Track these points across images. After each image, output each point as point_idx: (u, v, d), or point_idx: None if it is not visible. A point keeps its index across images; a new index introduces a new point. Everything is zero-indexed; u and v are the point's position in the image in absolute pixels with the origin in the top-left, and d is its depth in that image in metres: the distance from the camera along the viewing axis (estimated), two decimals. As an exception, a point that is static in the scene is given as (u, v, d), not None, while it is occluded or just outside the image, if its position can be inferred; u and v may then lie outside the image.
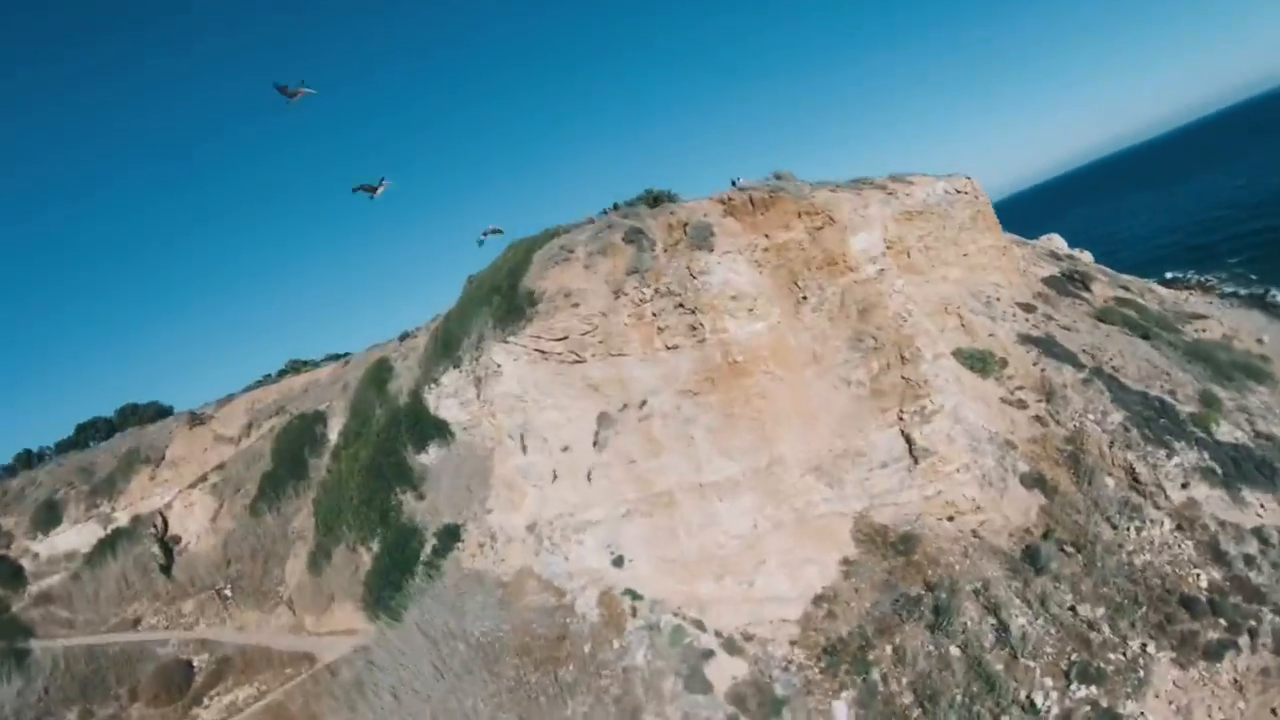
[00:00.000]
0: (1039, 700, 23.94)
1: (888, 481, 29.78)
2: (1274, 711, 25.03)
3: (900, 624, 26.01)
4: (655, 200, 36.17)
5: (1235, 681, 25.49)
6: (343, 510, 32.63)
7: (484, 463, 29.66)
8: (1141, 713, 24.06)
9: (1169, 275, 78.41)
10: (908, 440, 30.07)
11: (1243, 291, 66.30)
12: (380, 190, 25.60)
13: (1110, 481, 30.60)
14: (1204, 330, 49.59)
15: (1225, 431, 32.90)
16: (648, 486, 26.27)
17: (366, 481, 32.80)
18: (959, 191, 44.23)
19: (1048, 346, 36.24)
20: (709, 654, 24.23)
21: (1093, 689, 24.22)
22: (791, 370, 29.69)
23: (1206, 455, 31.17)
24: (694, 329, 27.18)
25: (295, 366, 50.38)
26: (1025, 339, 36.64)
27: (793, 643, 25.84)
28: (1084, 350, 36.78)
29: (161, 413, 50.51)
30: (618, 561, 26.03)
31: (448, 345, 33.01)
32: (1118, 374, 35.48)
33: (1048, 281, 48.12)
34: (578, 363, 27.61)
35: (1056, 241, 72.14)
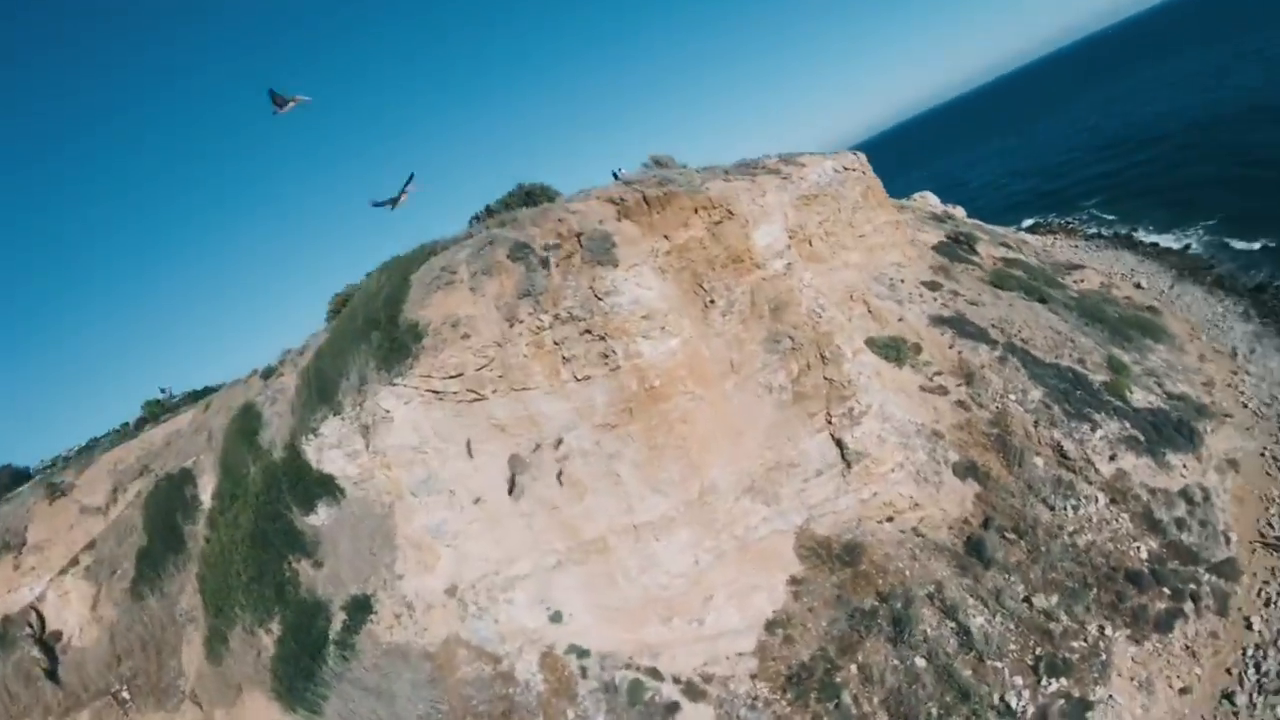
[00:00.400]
0: (1013, 701, 24.17)
1: (823, 490, 29.43)
2: (1229, 671, 26.19)
3: (861, 640, 25.71)
4: (530, 197, 34.33)
5: (1188, 648, 26.59)
6: (232, 587, 29.22)
7: (384, 522, 27.12)
8: (1110, 695, 24.68)
9: (1030, 222, 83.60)
10: (839, 445, 29.80)
11: (1107, 233, 71.13)
12: (404, 198, 23.74)
13: (1040, 462, 31.35)
14: (1083, 281, 52.71)
15: (1139, 398, 34.53)
16: (576, 534, 24.67)
17: (253, 552, 29.45)
18: (848, 169, 44.73)
19: (959, 326, 37.03)
20: (673, 706, 23.18)
21: (1062, 681, 24.69)
22: (710, 386, 28.72)
23: (1128, 424, 32.51)
24: (605, 357, 25.70)
25: (153, 412, 45.23)
26: (937, 320, 37.32)
27: (754, 676, 25.07)
28: (993, 325, 37.84)
29: (17, 478, 43.96)
30: (555, 617, 24.36)
31: (323, 389, 30.06)
32: (1029, 347, 36.67)
33: (938, 249, 49.66)
34: (478, 400, 25.59)
35: (930, 199, 75.38)
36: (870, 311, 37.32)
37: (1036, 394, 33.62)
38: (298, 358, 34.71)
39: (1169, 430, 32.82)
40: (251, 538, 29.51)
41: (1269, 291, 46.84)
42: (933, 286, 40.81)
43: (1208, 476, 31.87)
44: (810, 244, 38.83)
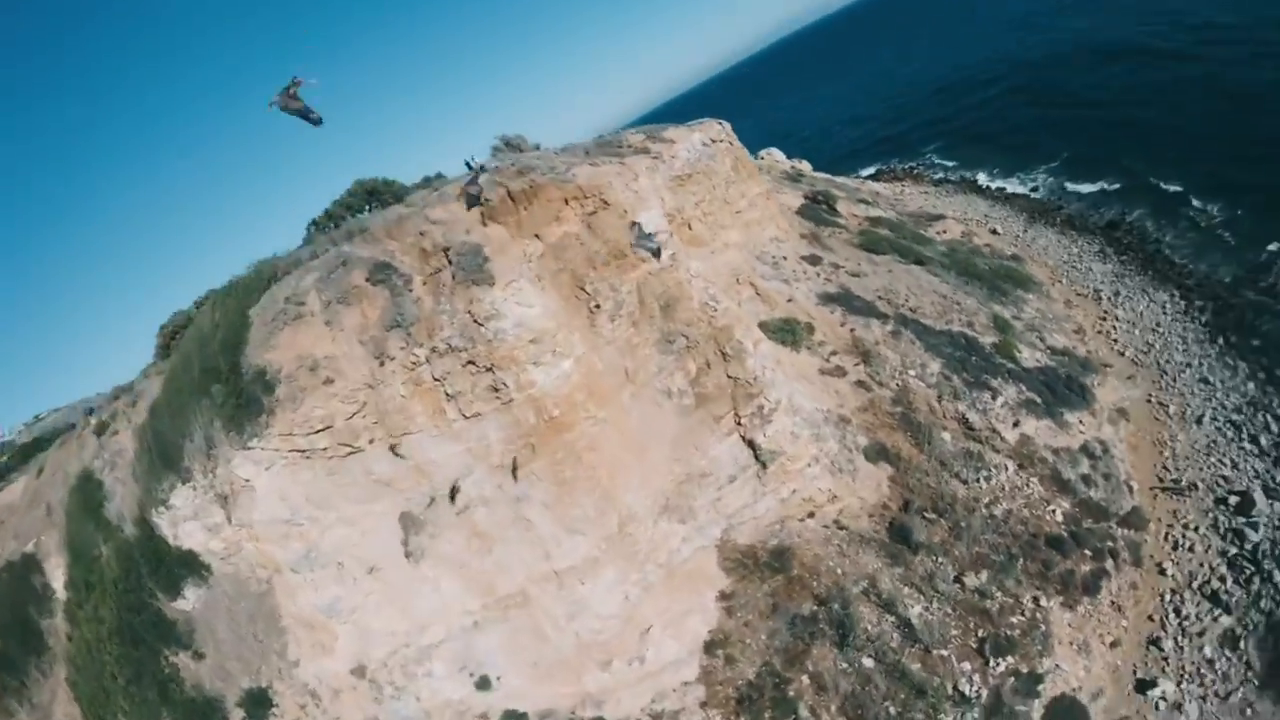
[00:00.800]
0: (966, 688, 24.84)
1: (740, 497, 28.99)
2: (1151, 618, 27.98)
3: (807, 649, 25.63)
4: (374, 196, 31.87)
5: (1113, 604, 28.20)
6: (110, 691, 25.53)
7: (264, 601, 24.36)
8: (1057, 665, 25.80)
9: (871, 169, 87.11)
10: (752, 447, 29.35)
11: (954, 177, 74.85)
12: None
13: (947, 436, 32.22)
14: (945, 231, 55.06)
15: (1028, 357, 36.19)
16: (491, 590, 23.03)
17: (124, 650, 25.83)
18: (715, 141, 44.17)
19: (847, 301, 37.54)
20: (631, 761, 21.91)
21: (1009, 659, 25.63)
22: (608, 402, 27.51)
23: (1024, 388, 33.99)
24: (495, 390, 23.98)
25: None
26: (825, 298, 37.67)
27: (704, 704, 24.59)
28: (880, 297, 38.63)
29: None
30: (483, 683, 22.73)
31: (165, 454, 26.58)
32: (919, 316, 37.68)
33: (802, 213, 50.46)
34: (354, 454, 23.30)
35: (777, 155, 76.57)
36: (759, 294, 37.16)
37: (935, 366, 34.55)
38: (130, 408, 30.60)
39: (1061, 389, 34.59)
40: (118, 632, 26.05)
41: (1121, 229, 50.54)
42: (813, 260, 41.22)
43: (1103, 430, 33.84)
44: (690, 227, 38.14)
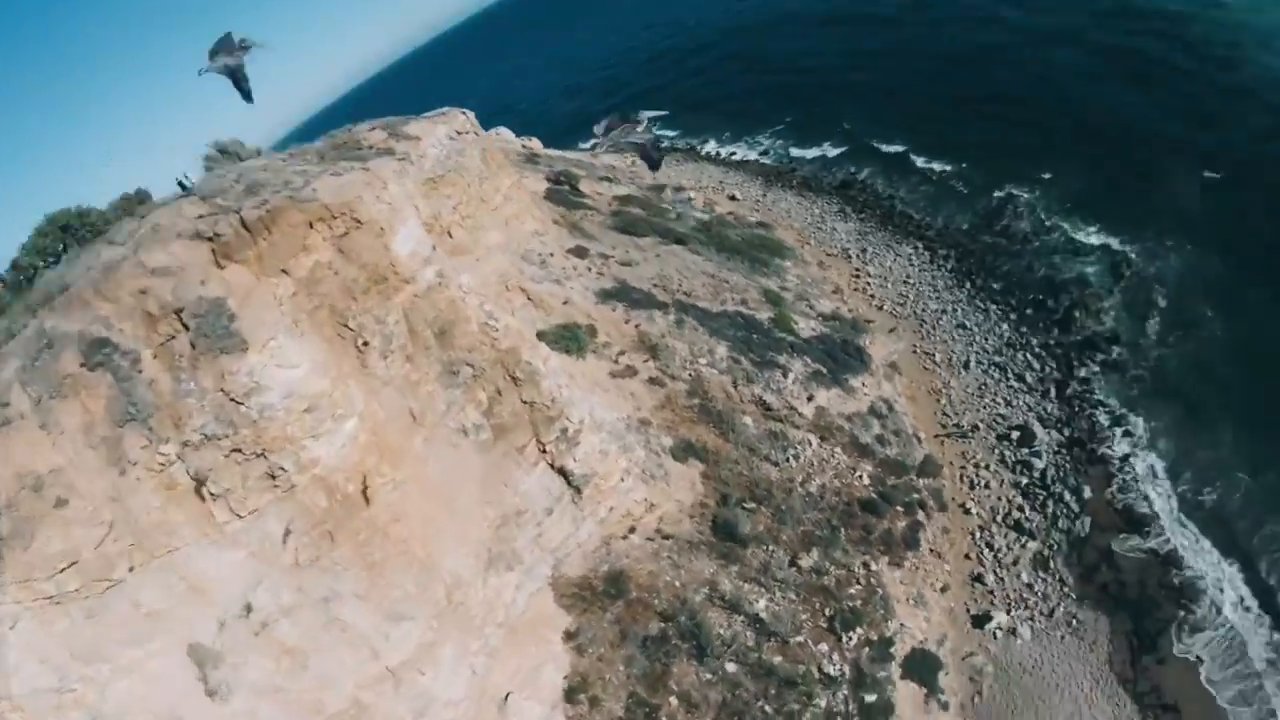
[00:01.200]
0: (830, 669, 26.23)
1: (560, 529, 28.32)
2: (968, 556, 30.98)
3: (667, 669, 25.71)
4: (70, 233, 27.25)
5: (933, 551, 30.85)
6: None
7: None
8: (901, 624, 28.04)
9: (593, 141, 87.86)
10: (562, 474, 28.53)
11: (681, 145, 77.83)
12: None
13: (749, 421, 33.36)
14: (689, 199, 56.81)
15: (805, 327, 38.39)
16: (319, 709, 20.51)
17: None
18: (461, 133, 41.94)
19: (626, 295, 37.61)
20: None
21: (858, 630, 27.44)
22: (402, 456, 25.47)
23: (809, 359, 35.98)
24: (273, 478, 21.24)
25: None
26: (604, 295, 37.48)
27: (580, 755, 23.62)
28: (655, 286, 39.10)
29: None
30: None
31: None
32: (695, 301, 38.61)
33: (549, 198, 49.91)
34: (113, 587, 19.64)
35: (506, 135, 75.20)
36: (531, 300, 36.09)
37: (722, 350, 35.53)
38: None
39: (840, 354, 37.04)
40: None
41: (855, 188, 55.05)
42: (580, 253, 40.80)
43: (883, 388, 36.69)
44: (450, 235, 36.21)
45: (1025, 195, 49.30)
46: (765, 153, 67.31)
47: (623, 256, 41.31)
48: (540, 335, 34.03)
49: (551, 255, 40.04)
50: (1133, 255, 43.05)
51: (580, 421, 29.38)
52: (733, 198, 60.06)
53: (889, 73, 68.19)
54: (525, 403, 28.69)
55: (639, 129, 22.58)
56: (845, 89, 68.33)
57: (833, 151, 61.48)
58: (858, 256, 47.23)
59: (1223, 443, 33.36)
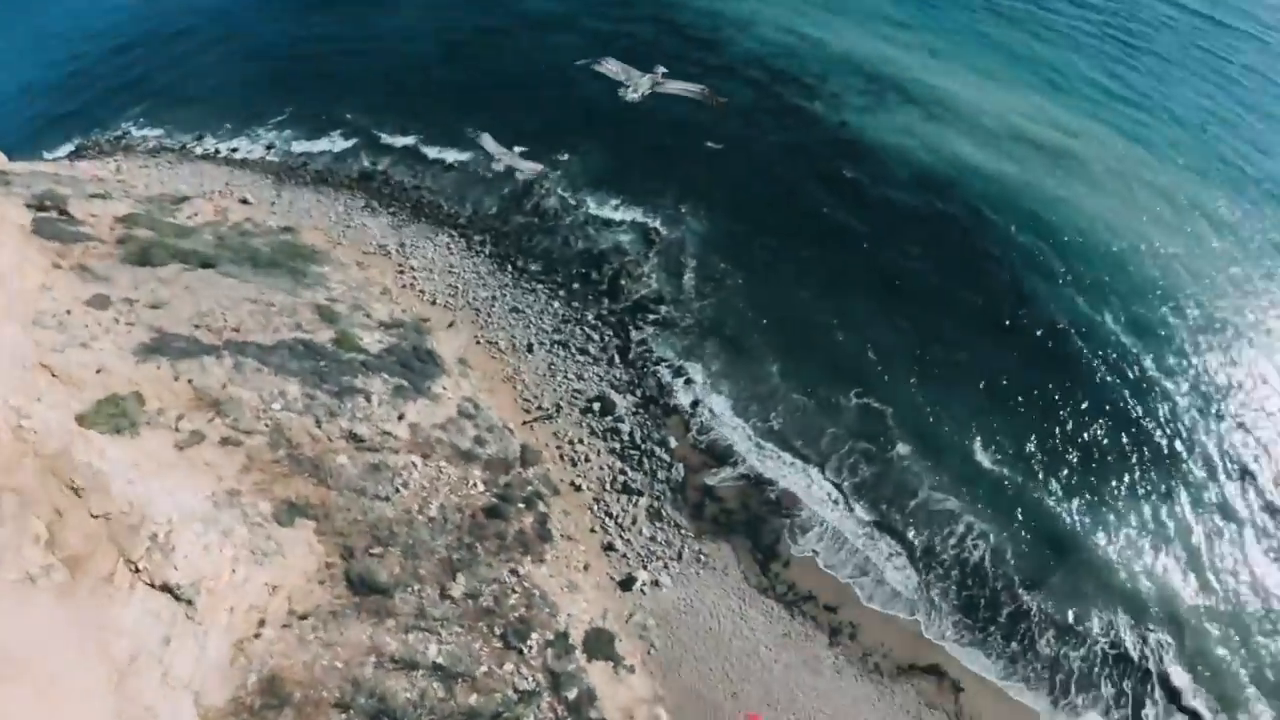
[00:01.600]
0: (523, 684, 26.80)
1: (187, 655, 24.48)
2: (592, 530, 34.62)
3: None
4: None
5: (565, 536, 34.30)
6: None
7: None
8: (568, 615, 29.82)
9: (68, 148, 74.75)
10: (167, 590, 24.62)
11: (171, 145, 68.49)
12: None
13: (345, 460, 31.70)
14: (197, 214, 50.94)
15: (370, 341, 37.11)
16: None
17: None
18: None
19: (166, 347, 32.27)
20: None
21: (534, 637, 28.25)
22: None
23: (386, 376, 34.90)
24: None
25: None
26: (143, 351, 31.58)
27: None
28: (197, 327, 34.41)
29: None
30: None
31: None
32: (247, 336, 34.97)
33: (40, 231, 40.48)
34: None
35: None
36: (57, 376, 29.35)
37: (294, 389, 32.78)
38: None
39: (414, 362, 36.56)
40: None
41: (378, 179, 53.01)
42: (101, 304, 33.60)
43: (463, 386, 37.11)
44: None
45: (549, 174, 52.75)
46: (270, 147, 60.92)
47: (149, 297, 35.09)
48: (81, 420, 28.18)
49: (69, 313, 32.33)
50: (657, 224, 49.89)
51: (168, 519, 25.37)
52: (245, 201, 53.98)
53: (388, 57, 66.88)
54: (97, 517, 23.96)
55: (674, 82, 22.15)
56: (345, 77, 65.02)
57: (340, 145, 58.33)
58: (397, 251, 46.11)
59: (771, 373, 40.82)
